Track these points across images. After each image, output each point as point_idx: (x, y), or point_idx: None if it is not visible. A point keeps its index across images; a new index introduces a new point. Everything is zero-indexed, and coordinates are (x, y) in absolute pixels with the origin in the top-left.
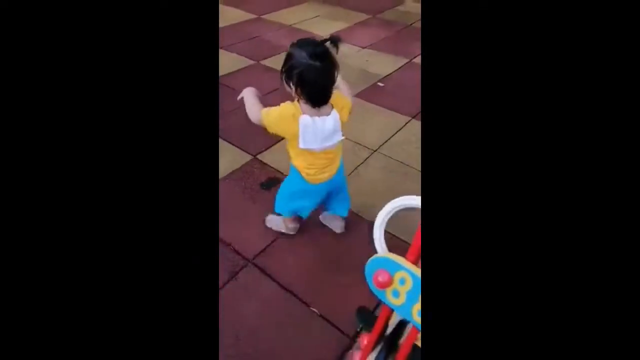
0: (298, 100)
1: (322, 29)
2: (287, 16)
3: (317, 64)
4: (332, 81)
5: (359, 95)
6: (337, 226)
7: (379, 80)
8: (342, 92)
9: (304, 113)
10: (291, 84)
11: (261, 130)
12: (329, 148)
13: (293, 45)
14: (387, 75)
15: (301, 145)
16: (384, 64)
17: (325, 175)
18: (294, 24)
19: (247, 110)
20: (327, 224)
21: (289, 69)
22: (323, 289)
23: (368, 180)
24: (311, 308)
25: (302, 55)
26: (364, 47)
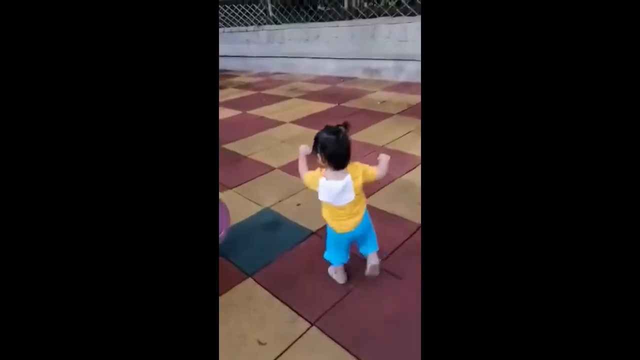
0: (323, 167)
1: (418, 148)
2: (378, 135)
3: (332, 137)
4: (344, 150)
5: None
6: (370, 267)
7: None
8: (375, 168)
9: (326, 176)
10: (317, 154)
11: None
12: (342, 205)
13: (321, 131)
14: None
15: (319, 197)
16: None
17: (348, 226)
18: (387, 143)
19: (299, 169)
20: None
21: (315, 144)
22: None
23: None
24: None
25: (323, 134)
26: None
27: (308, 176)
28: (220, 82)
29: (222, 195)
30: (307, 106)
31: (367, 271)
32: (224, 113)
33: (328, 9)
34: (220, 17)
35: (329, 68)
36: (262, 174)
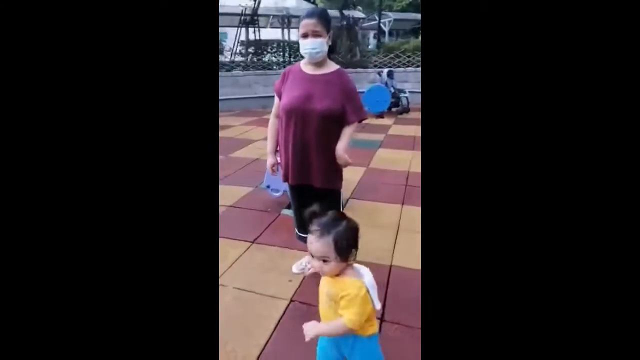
0: (339, 271)
1: None
2: None
3: (346, 222)
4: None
5: None
6: None
7: None
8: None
9: (362, 277)
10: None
11: None
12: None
13: (330, 225)
14: None
15: (378, 307)
16: None
17: None
18: None
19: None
20: None
21: (344, 245)
22: None
23: None
24: None
25: (341, 229)
26: None
27: (361, 308)
28: None
29: None
30: None
31: None
32: None
33: None
34: None
35: None
36: None
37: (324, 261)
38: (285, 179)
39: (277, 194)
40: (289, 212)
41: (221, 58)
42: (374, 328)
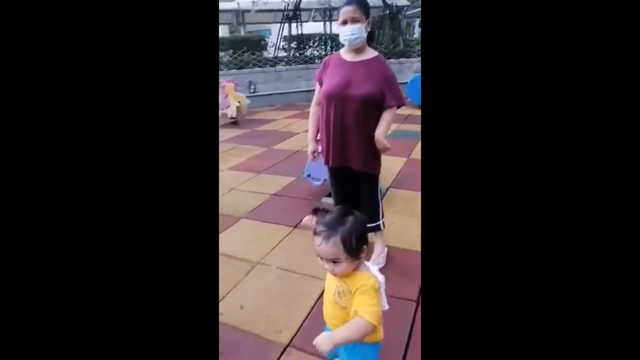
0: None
1: None
2: None
3: (355, 217)
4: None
5: None
6: None
7: None
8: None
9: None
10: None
11: None
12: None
13: (338, 221)
14: None
15: (386, 307)
16: None
17: None
18: None
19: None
20: None
21: (356, 241)
22: None
23: None
24: None
25: (349, 225)
26: None
27: (377, 300)
28: None
29: None
30: None
31: None
32: None
33: None
34: None
35: None
36: None
37: (334, 262)
38: (326, 162)
39: (318, 183)
40: (329, 200)
41: (265, 54)
42: (379, 334)
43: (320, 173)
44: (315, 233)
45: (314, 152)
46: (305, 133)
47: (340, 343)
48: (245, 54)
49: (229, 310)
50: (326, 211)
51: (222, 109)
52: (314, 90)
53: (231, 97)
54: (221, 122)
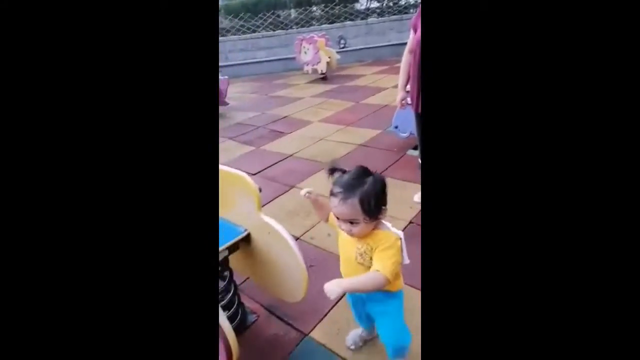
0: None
1: None
2: None
3: (372, 178)
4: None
5: None
6: None
7: None
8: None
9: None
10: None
11: None
12: None
13: (355, 180)
14: None
15: (406, 261)
16: None
17: None
18: None
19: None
20: None
21: (375, 200)
22: None
23: None
24: None
25: (369, 184)
26: None
27: (397, 257)
28: None
29: None
30: None
31: None
32: None
33: None
34: None
35: None
36: None
37: (352, 223)
38: (416, 108)
39: (404, 135)
40: (415, 153)
41: (357, 6)
42: (401, 282)
43: (407, 126)
44: (332, 194)
45: (402, 99)
46: (393, 88)
47: (349, 289)
48: (337, 7)
49: (318, 237)
50: (343, 171)
51: (314, 65)
52: (404, 44)
53: (322, 52)
54: (312, 77)
